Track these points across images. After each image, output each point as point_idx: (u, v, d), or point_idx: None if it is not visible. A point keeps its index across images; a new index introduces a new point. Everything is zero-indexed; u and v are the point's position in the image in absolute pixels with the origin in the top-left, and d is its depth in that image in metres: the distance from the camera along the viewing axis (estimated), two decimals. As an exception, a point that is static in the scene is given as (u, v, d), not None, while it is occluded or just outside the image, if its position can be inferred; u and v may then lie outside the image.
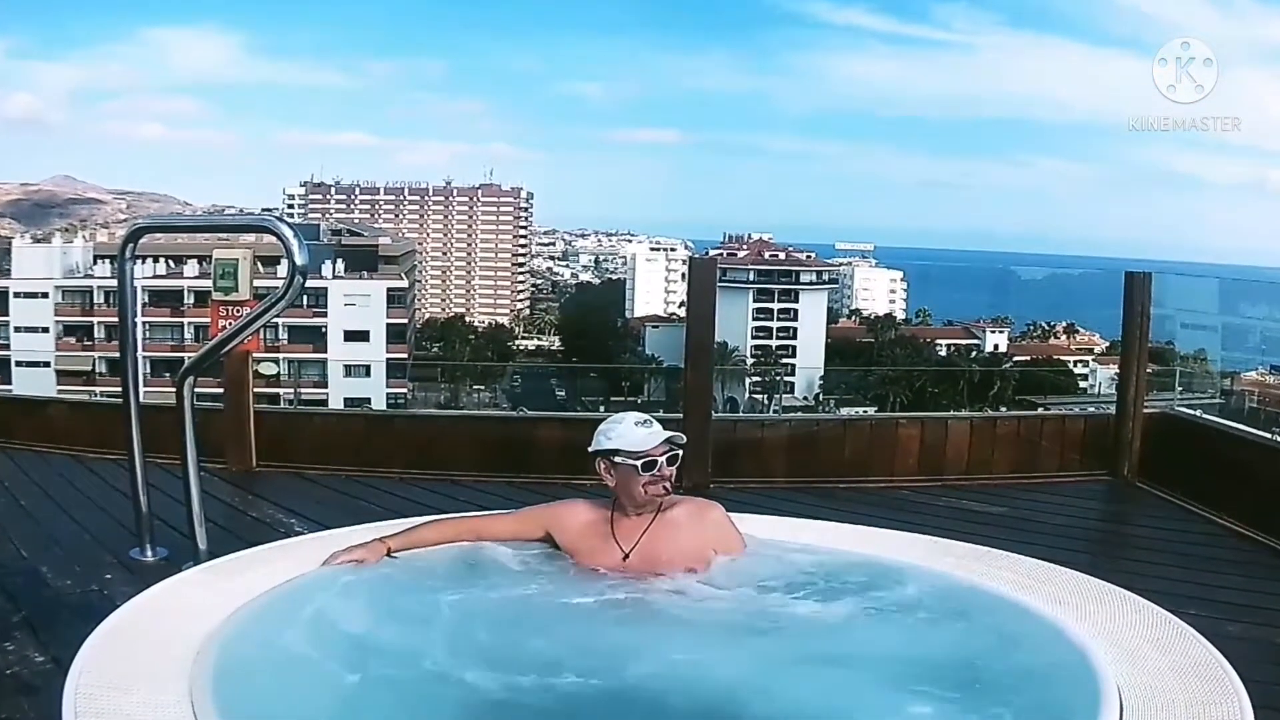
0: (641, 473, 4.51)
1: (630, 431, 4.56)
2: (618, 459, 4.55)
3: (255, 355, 9.88)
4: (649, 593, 4.38)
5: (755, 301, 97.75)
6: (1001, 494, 8.84)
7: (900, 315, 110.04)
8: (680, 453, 4.58)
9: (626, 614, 4.25)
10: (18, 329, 74.56)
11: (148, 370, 60.15)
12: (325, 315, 76.18)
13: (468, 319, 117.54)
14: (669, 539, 4.55)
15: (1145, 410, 9.47)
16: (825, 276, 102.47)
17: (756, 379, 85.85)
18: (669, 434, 4.57)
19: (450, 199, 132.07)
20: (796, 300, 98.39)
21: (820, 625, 4.17)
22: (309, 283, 5.67)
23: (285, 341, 71.05)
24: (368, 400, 57.58)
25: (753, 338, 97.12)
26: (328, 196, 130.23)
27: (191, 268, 73.78)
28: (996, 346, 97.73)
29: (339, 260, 79.43)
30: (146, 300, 69.99)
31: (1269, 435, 9.43)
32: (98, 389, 61.77)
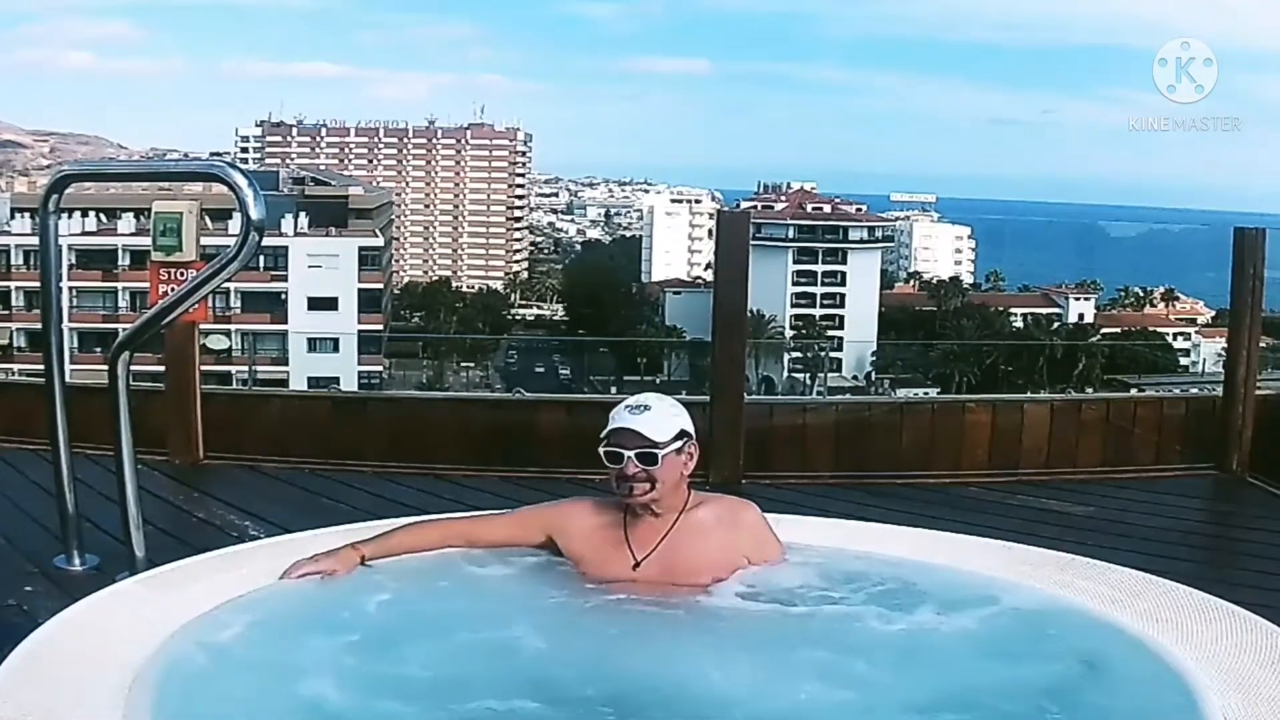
0: (608, 465, 4.50)
1: (617, 416, 4.53)
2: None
3: (202, 327, 9.87)
4: (669, 609, 4.37)
5: (796, 263, 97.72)
6: (1087, 491, 8.81)
7: (967, 279, 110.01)
8: (658, 450, 4.46)
9: (642, 635, 4.25)
10: (-82, 295, 74.79)
11: (75, 345, 60.52)
12: (285, 279, 76.23)
13: (454, 284, 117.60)
14: (693, 545, 4.54)
15: (1258, 392, 9.44)
16: (878, 233, 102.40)
17: (797, 355, 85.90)
18: (635, 418, 4.49)
19: (434, 141, 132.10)
20: (844, 261, 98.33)
21: (872, 648, 4.16)
22: (266, 240, 5.66)
23: (238, 311, 71.25)
24: (336, 380, 57.49)
25: (793, 306, 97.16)
26: (288, 138, 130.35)
27: (127, 223, 73.93)
28: (1081, 316, 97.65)
29: (302, 214, 79.41)
30: (74, 262, 70.21)
31: None
32: (15, 366, 61.87)
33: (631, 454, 4.44)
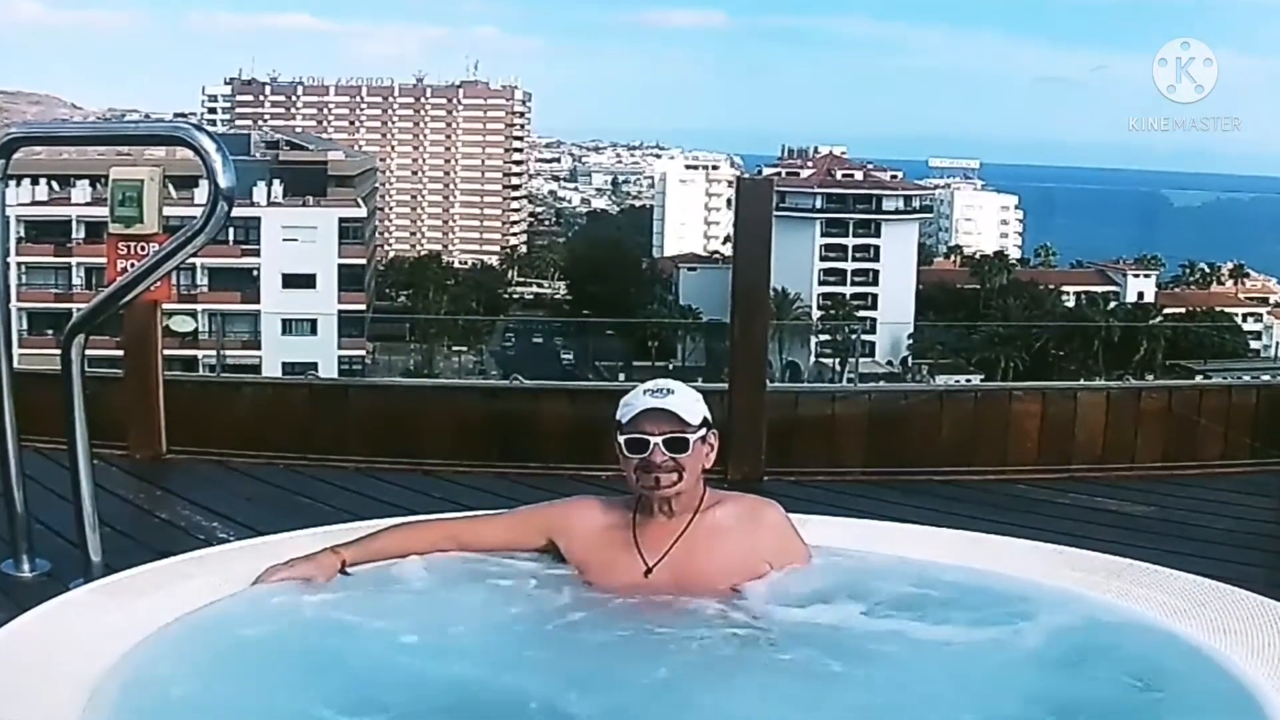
0: (628, 455, 4.50)
1: (635, 401, 4.53)
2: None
3: (166, 307, 9.89)
4: (683, 620, 4.37)
5: (824, 236, 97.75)
6: (1147, 489, 8.81)
7: (1014, 254, 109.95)
8: (689, 435, 4.48)
9: (653, 648, 4.24)
10: None
11: (24, 326, 60.60)
12: (258, 254, 76.33)
13: (445, 259, 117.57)
14: (710, 549, 4.54)
15: (1339, 378, 9.41)
16: (915, 203, 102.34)
17: (825, 338, 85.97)
18: (661, 401, 4.50)
19: (422, 101, 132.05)
20: (878, 234, 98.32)
21: (907, 662, 4.16)
22: (236, 211, 5.66)
23: (205, 289, 71.35)
24: (314, 366, 57.65)
25: (820, 284, 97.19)
26: (261, 97, 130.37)
27: (81, 191, 73.91)
28: (1141, 295, 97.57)
29: (276, 181, 79.47)
30: (22, 234, 70.25)
31: None
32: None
33: (659, 440, 4.43)
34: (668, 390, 4.53)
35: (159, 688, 3.85)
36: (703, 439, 4.51)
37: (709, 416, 4.57)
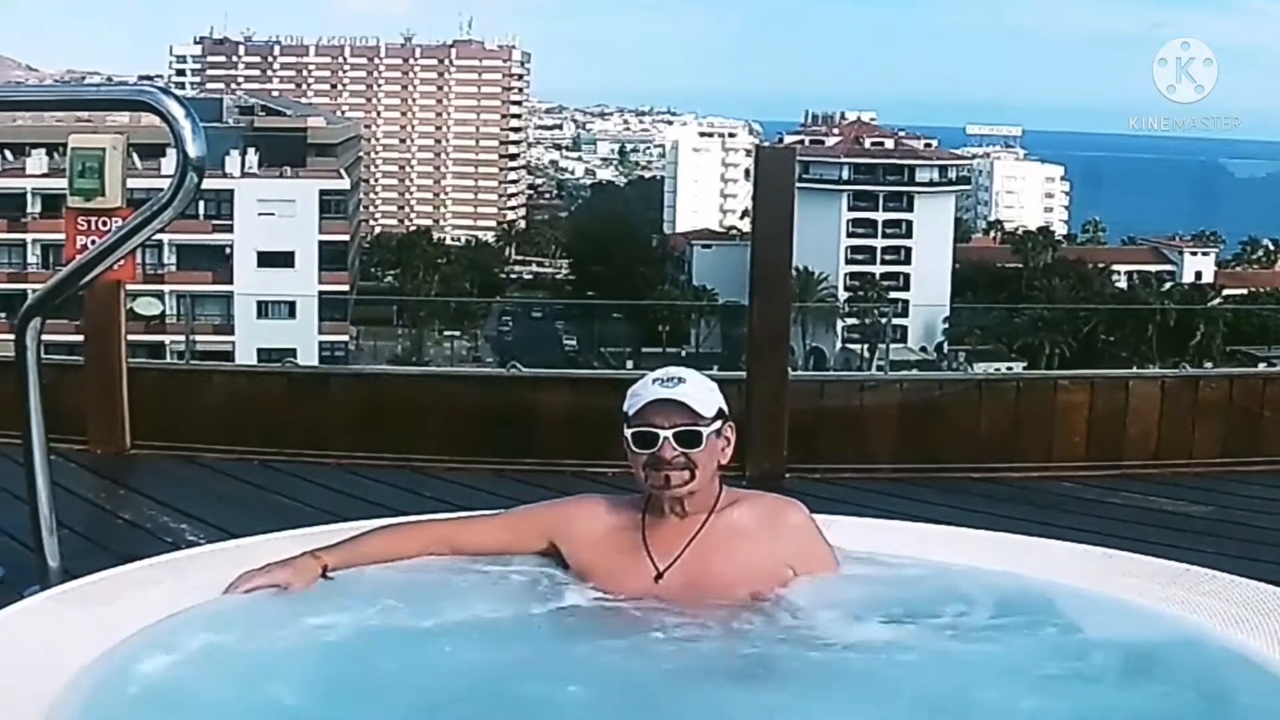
0: (635, 450, 4.49)
1: (643, 391, 4.52)
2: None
3: (130, 288, 9.89)
4: (697, 630, 4.37)
5: (851, 210, 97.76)
6: (1206, 487, 8.81)
7: (1060, 230, 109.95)
8: (702, 428, 4.46)
9: (664, 662, 4.23)
10: None
11: (-24, 309, 60.47)
12: (230, 230, 76.36)
13: (436, 235, 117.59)
14: (726, 553, 4.54)
15: None
16: (952, 174, 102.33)
17: (853, 322, 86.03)
18: (671, 391, 4.48)
19: (411, 62, 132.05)
20: (910, 208, 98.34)
21: (943, 676, 4.16)
22: (207, 182, 5.66)
23: (173, 268, 71.41)
24: (292, 353, 57.67)
25: (848, 262, 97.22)
26: (234, 58, 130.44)
27: (37, 161, 73.97)
28: (1199, 275, 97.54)
29: (250, 150, 79.53)
30: (-26, 209, 70.33)
31: None
32: (-97, 336, 61.98)
33: (669, 433, 4.41)
34: (679, 379, 4.50)
35: (121, 705, 3.85)
36: (718, 432, 4.49)
37: (725, 408, 4.54)
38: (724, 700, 4.02)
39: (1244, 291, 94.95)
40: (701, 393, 4.48)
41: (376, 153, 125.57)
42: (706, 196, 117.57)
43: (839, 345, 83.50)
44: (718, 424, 4.49)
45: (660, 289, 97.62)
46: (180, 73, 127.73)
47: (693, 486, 4.46)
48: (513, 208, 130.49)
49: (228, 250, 76.13)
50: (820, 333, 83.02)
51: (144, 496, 8.17)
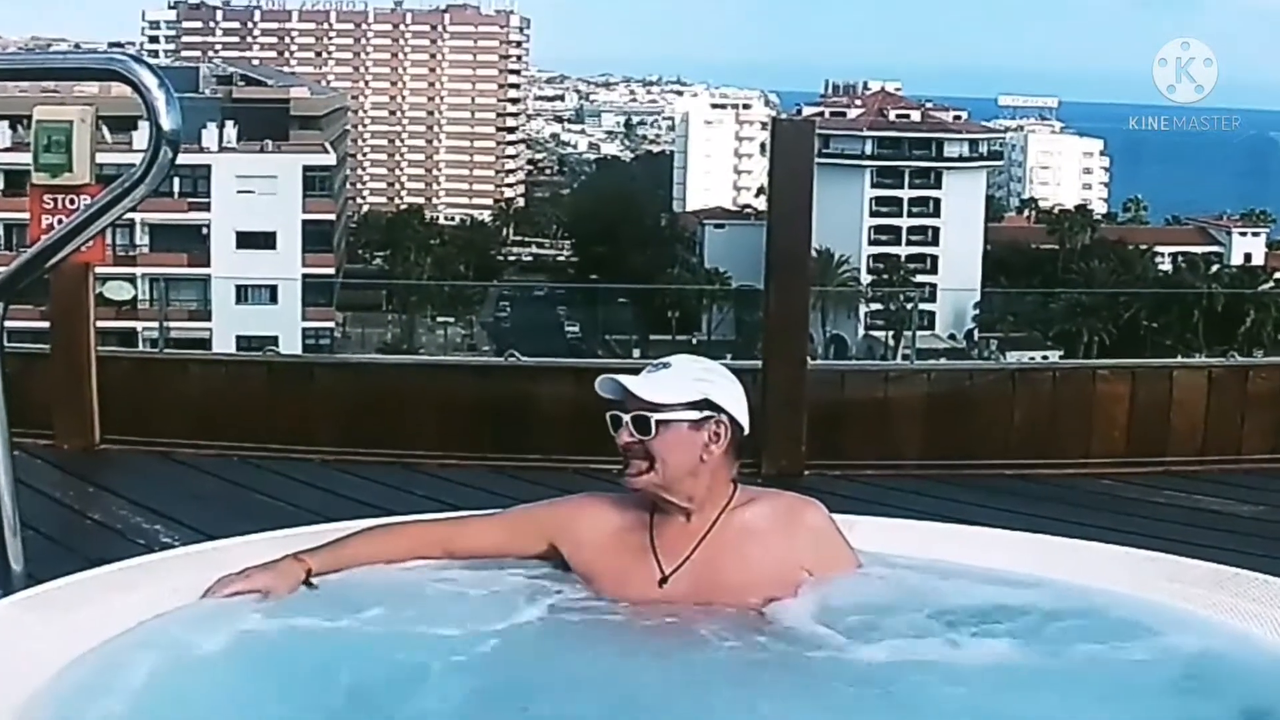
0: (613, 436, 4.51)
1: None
2: None
3: (99, 271, 9.90)
4: (707, 638, 4.37)
5: (875, 187, 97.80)
6: (1256, 485, 8.81)
7: (1099, 208, 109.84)
8: (654, 414, 4.42)
9: (671, 671, 4.25)
10: None
11: (-65, 294, 60.38)
12: (208, 209, 76.42)
13: (429, 214, 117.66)
14: (738, 555, 4.54)
15: None
16: (983, 148, 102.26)
17: (876, 307, 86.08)
18: (648, 375, 4.48)
19: (401, 29, 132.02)
20: (938, 185, 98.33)
21: (975, 691, 4.15)
22: (182, 158, 5.65)
23: (146, 249, 71.44)
24: (274, 340, 57.72)
25: (871, 243, 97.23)
26: (212, 24, 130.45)
27: (0, 135, 73.93)
28: (1249, 257, 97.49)
29: (229, 123, 79.57)
30: (-67, 186, 70.35)
31: None
32: None
33: (628, 418, 4.42)
34: (664, 365, 4.52)
35: (91, 717, 3.84)
36: (694, 423, 4.45)
37: (722, 400, 4.49)
38: (730, 711, 4.02)
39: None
40: (677, 380, 4.47)
41: (364, 125, 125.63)
42: (719, 173, 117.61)
43: (861, 332, 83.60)
44: (691, 413, 4.44)
45: (669, 272, 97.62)
46: (154, 39, 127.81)
47: (653, 480, 4.44)
48: (511, 185, 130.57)
49: (204, 230, 76.19)
50: (841, 319, 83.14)
51: (114, 495, 8.18)
